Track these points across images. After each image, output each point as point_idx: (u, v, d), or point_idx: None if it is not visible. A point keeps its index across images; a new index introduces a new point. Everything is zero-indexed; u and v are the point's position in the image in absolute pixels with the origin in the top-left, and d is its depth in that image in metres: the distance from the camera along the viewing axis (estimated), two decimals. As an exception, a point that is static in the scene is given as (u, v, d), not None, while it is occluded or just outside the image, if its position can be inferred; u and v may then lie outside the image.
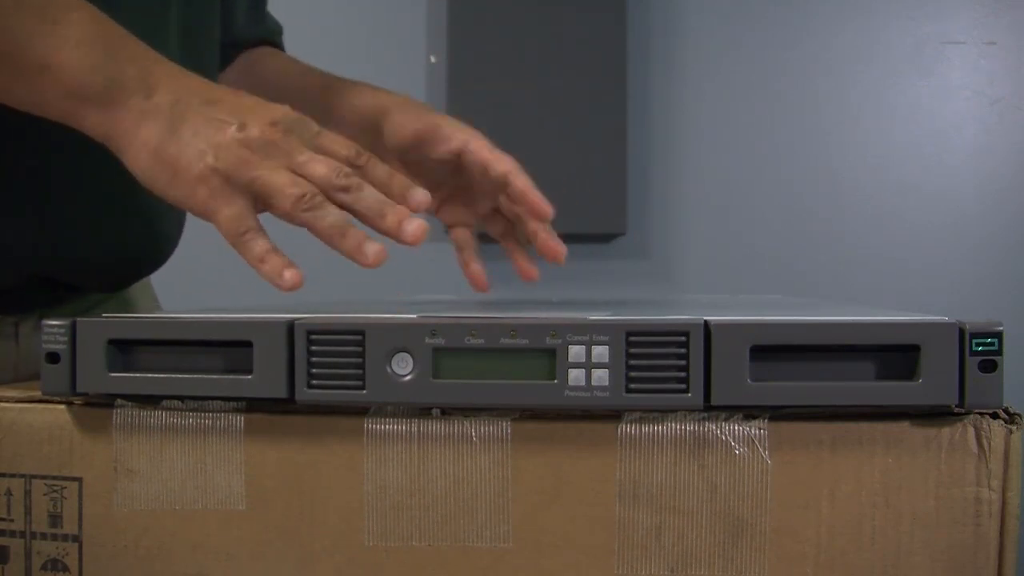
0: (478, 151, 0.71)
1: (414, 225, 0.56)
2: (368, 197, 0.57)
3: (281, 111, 0.58)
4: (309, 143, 0.58)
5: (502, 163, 0.70)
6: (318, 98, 0.81)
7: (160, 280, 0.87)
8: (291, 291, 0.54)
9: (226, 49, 0.86)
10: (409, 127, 0.74)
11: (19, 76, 0.57)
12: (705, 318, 0.48)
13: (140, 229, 0.74)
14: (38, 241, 0.69)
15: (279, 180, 0.55)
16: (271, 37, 0.93)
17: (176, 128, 0.56)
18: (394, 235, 0.56)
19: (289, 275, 0.54)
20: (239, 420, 0.52)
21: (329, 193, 0.56)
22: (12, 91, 0.58)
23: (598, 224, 1.99)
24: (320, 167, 0.56)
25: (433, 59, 2.04)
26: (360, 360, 0.49)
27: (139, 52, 0.59)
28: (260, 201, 0.56)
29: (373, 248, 0.55)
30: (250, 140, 0.56)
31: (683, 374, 0.48)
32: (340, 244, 0.55)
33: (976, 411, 0.48)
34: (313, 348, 0.50)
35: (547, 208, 0.68)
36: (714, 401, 0.48)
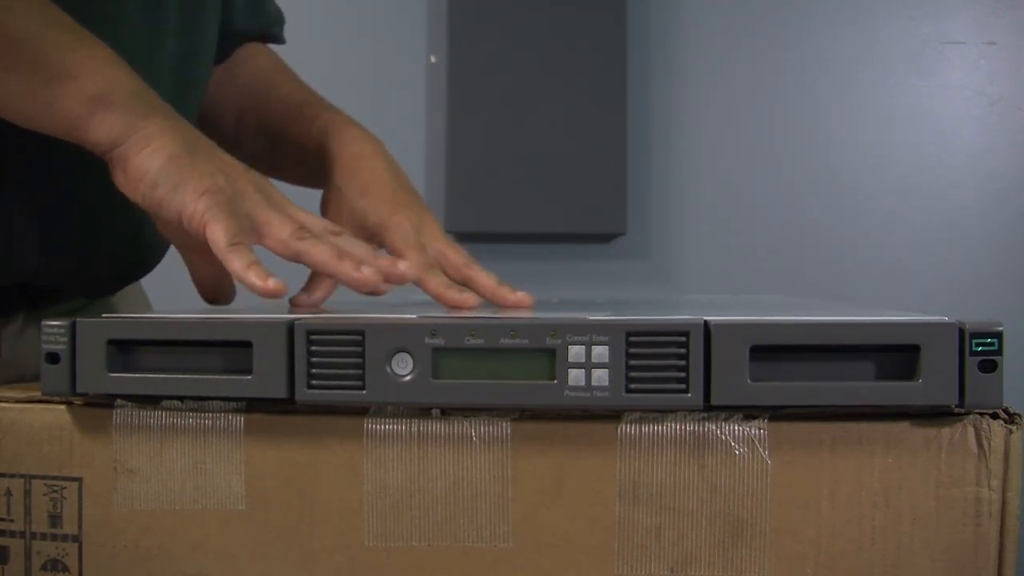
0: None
1: (405, 264, 0.61)
2: (358, 247, 0.62)
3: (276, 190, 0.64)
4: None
5: (427, 286, 0.68)
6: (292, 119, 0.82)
7: (158, 281, 0.87)
8: (272, 297, 0.56)
9: (221, 40, 0.84)
10: (370, 222, 0.74)
11: (39, 81, 0.59)
12: (705, 318, 0.48)
13: (128, 236, 0.74)
14: (31, 247, 0.69)
15: (277, 214, 0.60)
16: (270, 29, 0.91)
17: (194, 147, 0.60)
18: (386, 272, 0.61)
19: (272, 282, 0.56)
20: (239, 420, 0.52)
21: (322, 236, 0.61)
22: (23, 99, 0.60)
23: (598, 224, 1.99)
24: (315, 220, 0.63)
25: (433, 59, 2.04)
26: (360, 360, 0.49)
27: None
28: (254, 233, 0.60)
29: (369, 269, 0.59)
30: (255, 180, 0.62)
31: (683, 374, 0.48)
32: (337, 267, 0.59)
33: (976, 411, 0.48)
34: (313, 348, 0.50)
35: (467, 302, 0.67)
36: (714, 401, 0.48)
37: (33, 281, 0.71)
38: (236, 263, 0.56)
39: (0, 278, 0.70)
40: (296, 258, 0.60)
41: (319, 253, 0.59)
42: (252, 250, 0.58)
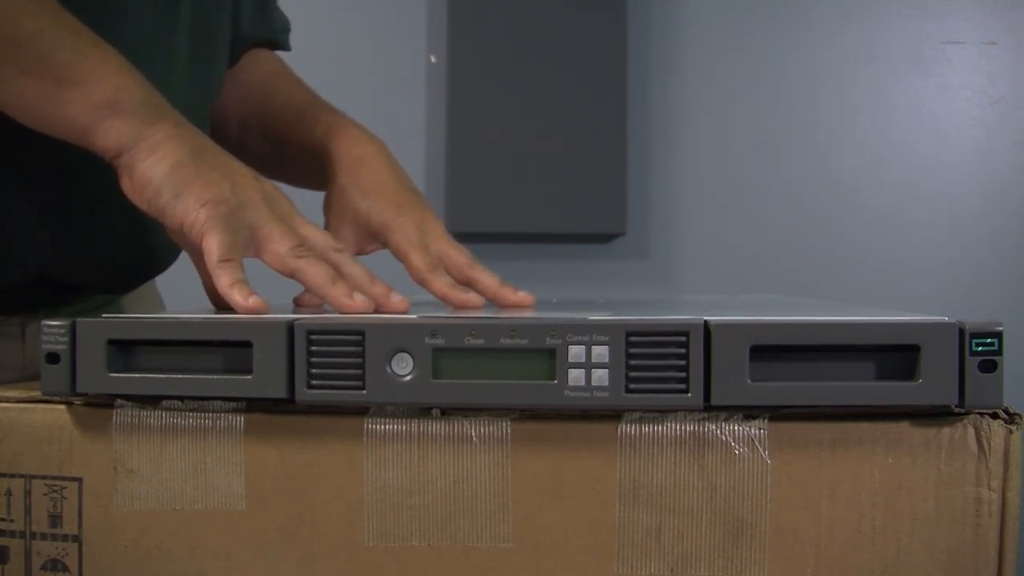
0: (414, 274, 0.70)
1: (399, 297, 0.61)
2: (356, 268, 0.62)
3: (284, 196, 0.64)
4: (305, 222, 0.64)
5: (432, 286, 0.69)
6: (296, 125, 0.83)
7: (165, 281, 0.87)
8: (254, 314, 0.57)
9: (230, 46, 0.86)
10: (374, 222, 0.73)
11: (50, 86, 0.59)
12: (705, 318, 0.48)
13: (139, 234, 0.75)
14: (46, 242, 0.69)
15: (279, 227, 0.60)
16: (275, 36, 0.93)
17: (200, 155, 0.61)
18: (380, 302, 0.60)
19: (253, 300, 0.57)
20: (239, 420, 0.52)
21: (322, 254, 0.61)
22: (35, 103, 0.60)
23: (598, 224, 1.99)
24: (318, 235, 0.62)
25: (433, 59, 2.04)
26: (360, 360, 0.49)
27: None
28: (253, 245, 0.60)
29: (361, 297, 0.59)
30: (263, 189, 0.62)
31: (683, 374, 0.48)
32: (330, 290, 0.59)
33: (976, 411, 0.48)
34: (313, 348, 0.50)
35: (472, 303, 0.67)
36: (714, 401, 0.48)
37: (52, 277, 0.72)
38: (223, 279, 0.57)
39: (17, 275, 0.70)
40: (292, 275, 0.61)
41: (315, 275, 0.60)
42: (242, 266, 0.59)
